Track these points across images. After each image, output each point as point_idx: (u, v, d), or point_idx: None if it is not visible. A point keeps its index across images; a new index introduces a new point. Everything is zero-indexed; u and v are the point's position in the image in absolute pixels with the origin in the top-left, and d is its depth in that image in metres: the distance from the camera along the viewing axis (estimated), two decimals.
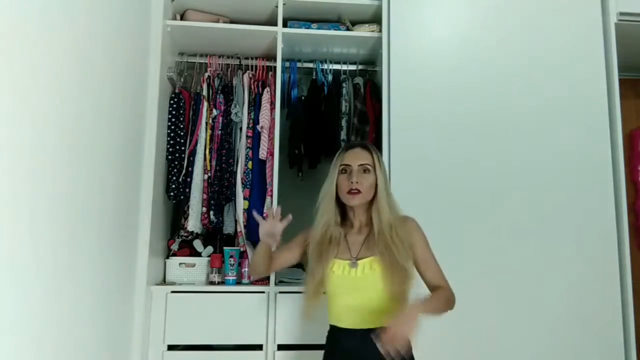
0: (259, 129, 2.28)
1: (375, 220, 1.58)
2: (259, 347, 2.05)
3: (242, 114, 2.34)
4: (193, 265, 2.20)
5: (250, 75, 2.41)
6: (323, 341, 1.91)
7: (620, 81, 2.19)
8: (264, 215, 2.21)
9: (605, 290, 2.05)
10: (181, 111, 2.29)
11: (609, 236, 2.09)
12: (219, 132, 2.31)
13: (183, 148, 2.28)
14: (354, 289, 1.54)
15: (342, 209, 1.65)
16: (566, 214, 2.10)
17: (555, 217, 2.09)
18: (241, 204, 2.24)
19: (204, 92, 2.32)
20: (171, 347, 2.04)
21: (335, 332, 1.59)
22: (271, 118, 2.28)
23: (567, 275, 2.06)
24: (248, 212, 2.25)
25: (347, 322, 1.55)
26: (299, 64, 2.51)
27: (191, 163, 2.26)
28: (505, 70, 2.18)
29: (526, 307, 2.03)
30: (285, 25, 2.32)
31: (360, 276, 1.52)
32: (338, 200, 1.62)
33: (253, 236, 2.23)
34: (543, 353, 2.01)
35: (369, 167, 1.59)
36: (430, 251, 1.58)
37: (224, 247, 2.21)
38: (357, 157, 1.61)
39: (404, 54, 2.18)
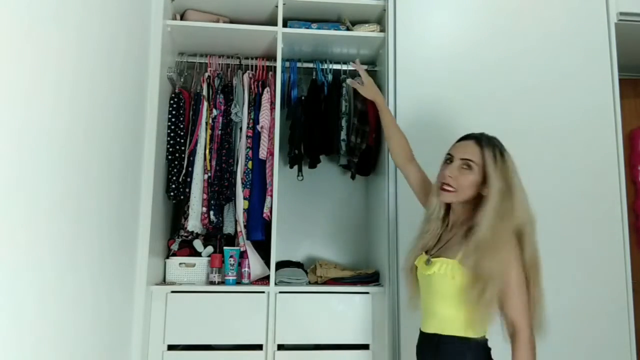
0: (259, 129, 2.28)
1: (475, 224, 1.38)
2: (259, 347, 2.05)
3: (242, 114, 2.34)
4: (193, 265, 2.20)
5: (250, 75, 2.41)
6: (323, 341, 1.89)
7: (620, 81, 2.19)
8: (264, 216, 2.22)
9: (605, 290, 2.04)
10: (181, 111, 2.29)
11: (609, 236, 2.08)
12: (219, 132, 2.30)
13: (183, 148, 2.28)
14: (425, 287, 1.47)
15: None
16: (566, 214, 2.09)
17: (555, 217, 2.08)
18: (241, 203, 2.23)
19: (204, 92, 2.32)
20: (171, 347, 2.04)
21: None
22: (271, 118, 2.28)
23: (567, 274, 2.05)
24: (248, 212, 2.25)
25: (422, 322, 1.50)
26: (299, 64, 2.51)
27: (191, 163, 2.26)
28: (508, 70, 2.18)
29: None
30: (285, 25, 2.31)
31: (430, 275, 1.43)
32: None
33: (253, 236, 2.23)
34: (542, 353, 2.00)
35: (473, 164, 1.42)
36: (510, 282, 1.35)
37: (224, 247, 2.21)
38: (463, 150, 1.46)
39: (409, 54, 2.18)
